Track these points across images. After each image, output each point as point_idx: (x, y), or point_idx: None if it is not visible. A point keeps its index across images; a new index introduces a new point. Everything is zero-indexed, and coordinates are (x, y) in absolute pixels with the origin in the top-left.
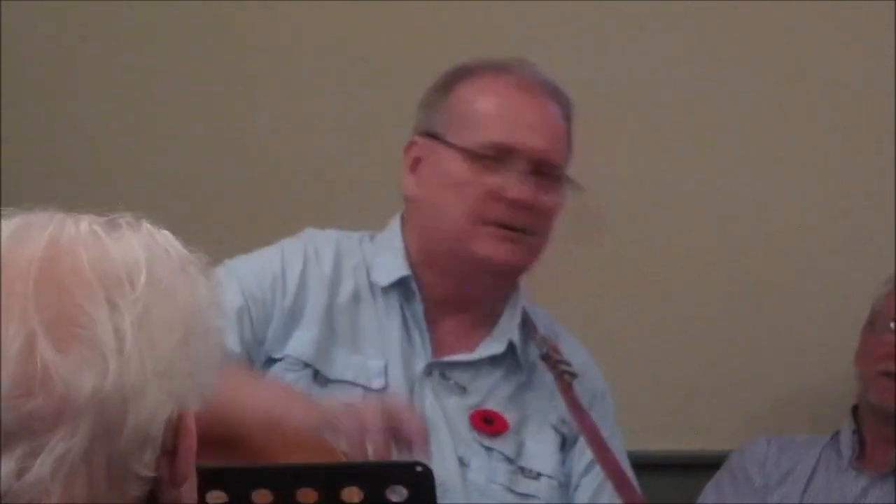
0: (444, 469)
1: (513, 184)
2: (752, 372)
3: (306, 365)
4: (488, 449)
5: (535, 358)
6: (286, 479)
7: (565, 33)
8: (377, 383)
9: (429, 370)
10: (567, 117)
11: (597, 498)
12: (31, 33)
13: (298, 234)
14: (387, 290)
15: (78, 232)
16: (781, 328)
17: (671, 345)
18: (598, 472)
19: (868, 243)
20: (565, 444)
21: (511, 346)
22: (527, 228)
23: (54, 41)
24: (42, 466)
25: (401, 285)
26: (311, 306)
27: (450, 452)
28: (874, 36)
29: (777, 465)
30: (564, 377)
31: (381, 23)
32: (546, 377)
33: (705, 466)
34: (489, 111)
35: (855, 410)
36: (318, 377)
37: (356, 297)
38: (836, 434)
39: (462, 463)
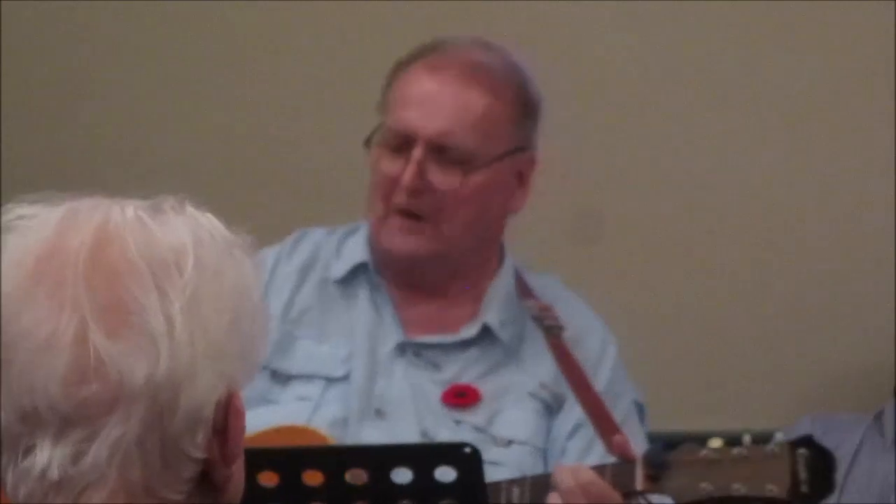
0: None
1: (407, 170)
2: (797, 352)
3: (262, 367)
4: (458, 422)
5: (528, 326)
6: (336, 460)
7: (566, 29)
8: (340, 371)
9: (402, 349)
10: (500, 92)
11: (584, 458)
12: (35, 26)
13: (285, 239)
14: (350, 278)
15: (124, 218)
16: (826, 309)
17: (718, 325)
18: (584, 434)
19: None
20: (550, 412)
21: (485, 329)
22: (427, 215)
23: (60, 36)
24: (98, 451)
25: (364, 271)
26: (272, 310)
27: (412, 426)
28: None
29: (822, 442)
30: (552, 330)
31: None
32: (532, 346)
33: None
34: (397, 98)
35: None
36: (277, 376)
37: (323, 290)
38: (880, 413)
39: (425, 436)
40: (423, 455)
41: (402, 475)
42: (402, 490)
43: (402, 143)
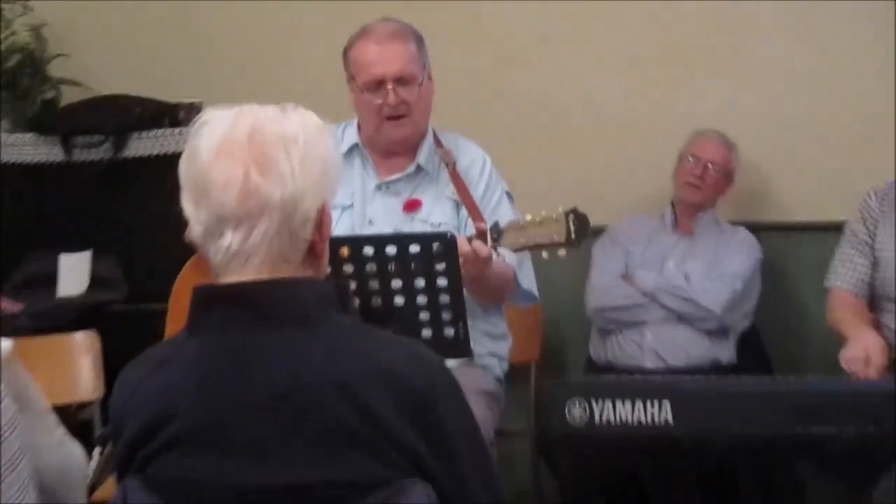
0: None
1: (387, 99)
2: (626, 177)
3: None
4: (412, 220)
5: (441, 163)
6: (381, 241)
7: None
8: (348, 202)
9: (379, 186)
10: (412, 43)
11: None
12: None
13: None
14: (349, 153)
15: (267, 114)
16: (642, 159)
17: (589, 158)
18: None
19: (695, 113)
20: (458, 206)
21: (418, 167)
22: (406, 114)
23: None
24: (255, 236)
25: (356, 147)
26: None
27: (389, 226)
28: None
29: (632, 230)
30: (448, 165)
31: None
32: (444, 173)
33: (599, 232)
34: (362, 61)
35: (673, 203)
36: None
37: None
38: (663, 214)
39: (397, 229)
40: (426, 237)
41: (414, 248)
42: (415, 256)
43: (376, 85)
